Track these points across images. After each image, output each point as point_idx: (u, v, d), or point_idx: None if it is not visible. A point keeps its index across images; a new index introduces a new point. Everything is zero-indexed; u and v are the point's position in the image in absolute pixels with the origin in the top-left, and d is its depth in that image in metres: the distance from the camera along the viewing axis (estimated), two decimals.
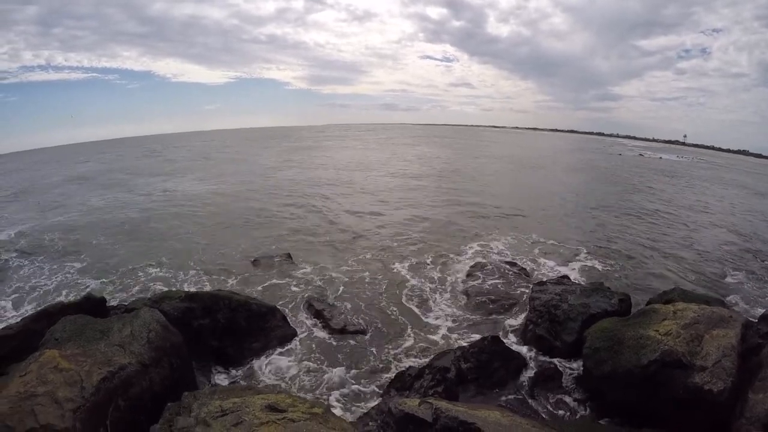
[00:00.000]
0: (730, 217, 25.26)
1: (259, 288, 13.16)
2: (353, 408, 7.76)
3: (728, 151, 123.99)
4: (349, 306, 12.01)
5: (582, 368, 8.22)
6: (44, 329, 8.15)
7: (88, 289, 12.94)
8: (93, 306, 9.74)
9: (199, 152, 73.28)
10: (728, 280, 14.35)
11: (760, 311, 10.11)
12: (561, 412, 7.74)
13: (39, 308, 10.43)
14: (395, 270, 14.69)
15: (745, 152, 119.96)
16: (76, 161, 67.12)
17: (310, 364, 9.24)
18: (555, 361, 9.08)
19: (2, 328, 9.48)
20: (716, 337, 7.14)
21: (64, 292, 13.15)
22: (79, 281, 14.11)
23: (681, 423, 6.45)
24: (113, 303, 11.16)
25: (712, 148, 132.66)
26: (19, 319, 9.99)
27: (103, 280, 14.07)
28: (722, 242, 19.05)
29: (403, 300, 12.42)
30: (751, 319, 8.28)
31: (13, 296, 13.27)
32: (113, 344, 7.13)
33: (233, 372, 8.97)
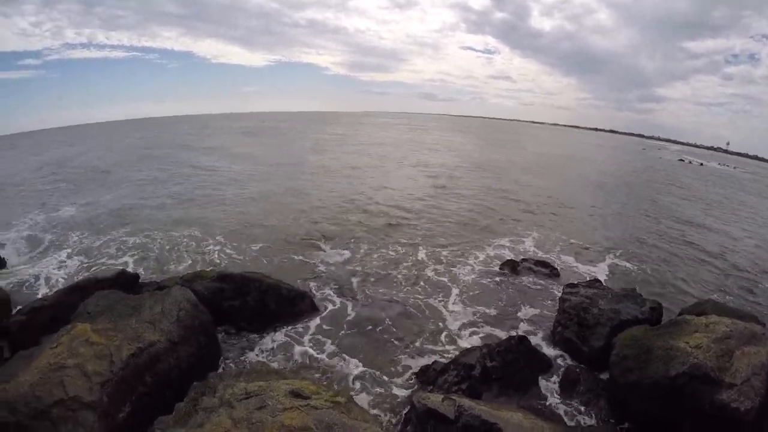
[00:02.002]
0: None
1: (290, 270, 13.26)
2: (375, 399, 7.76)
3: None
4: (377, 295, 12.00)
5: (608, 375, 8.06)
6: (77, 302, 8.46)
7: (123, 264, 13.36)
8: (126, 282, 10.06)
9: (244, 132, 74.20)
10: (764, 296, 13.83)
11: None
12: (583, 418, 7.61)
13: (72, 282, 10.79)
14: (424, 262, 14.65)
15: None
16: (122, 136, 69.00)
17: (336, 350, 9.27)
18: (581, 365, 8.93)
19: (36, 300, 9.88)
20: (747, 354, 6.88)
21: (101, 265, 13.51)
22: (115, 254, 14.61)
23: None
24: (146, 279, 11.47)
25: (756, 157, 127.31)
26: (53, 291, 10.40)
27: (139, 254, 14.52)
28: (760, 257, 18.36)
29: (431, 293, 12.33)
30: None
31: (60, 265, 13.76)
32: (144, 321, 7.31)
33: (259, 354, 9.05)
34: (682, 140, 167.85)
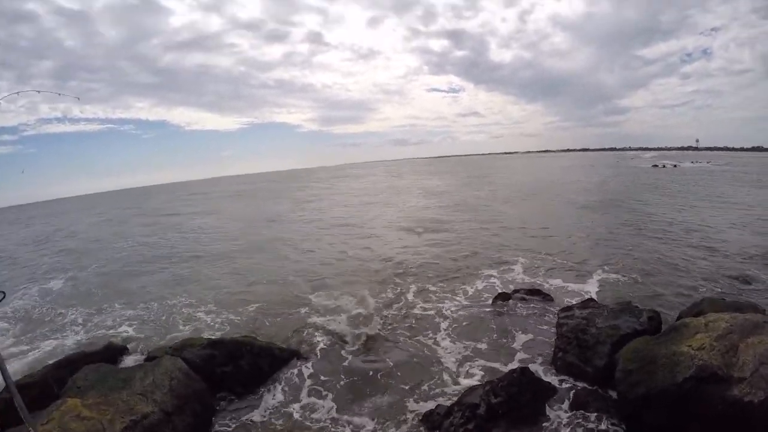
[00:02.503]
0: (751, 218, 24.64)
1: (283, 326, 13.12)
2: None
3: (742, 149, 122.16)
4: (372, 341, 11.84)
5: (616, 392, 7.92)
6: (66, 377, 8.21)
7: (115, 335, 13.02)
8: (114, 354, 9.86)
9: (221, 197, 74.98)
10: (758, 282, 13.86)
11: None
12: None
13: (61, 357, 10.52)
14: (416, 302, 14.50)
15: (759, 148, 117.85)
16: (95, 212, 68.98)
17: (335, 404, 9.04)
18: (587, 387, 8.76)
19: (23, 377, 9.56)
20: (751, 345, 6.81)
21: (94, 338, 13.13)
22: (100, 327, 14.23)
23: None
24: (135, 352, 11.27)
25: (726, 148, 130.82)
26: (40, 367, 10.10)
27: (130, 324, 14.16)
28: (747, 244, 18.47)
29: (425, 332, 12.19)
30: None
31: (51, 338, 13.53)
32: (135, 393, 7.12)
33: (257, 417, 8.75)
34: (653, 146, 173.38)
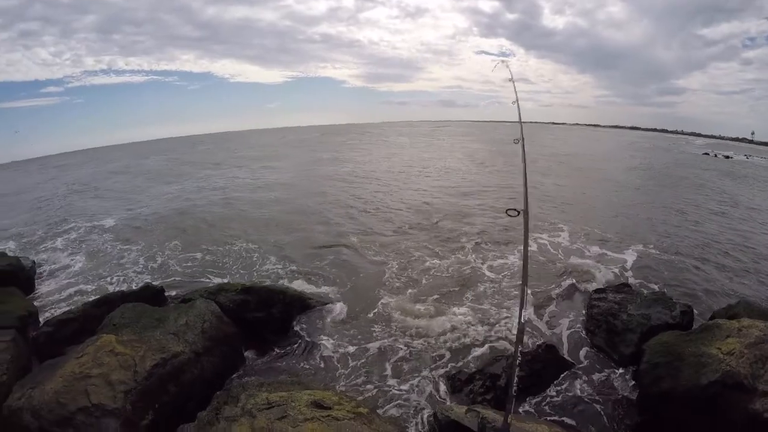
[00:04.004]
0: None
1: (312, 282, 13.23)
2: (398, 409, 7.64)
3: None
4: (407, 299, 11.90)
5: (638, 384, 7.81)
6: (103, 315, 8.66)
7: (153, 277, 13.63)
8: (151, 295, 10.28)
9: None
10: None
11: None
12: (614, 429, 7.39)
13: (100, 295, 11.04)
14: (450, 263, 14.52)
15: None
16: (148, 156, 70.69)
17: (360, 360, 9.21)
18: (611, 373, 8.65)
19: (64, 312, 10.14)
20: None
21: (118, 282, 13.73)
22: (137, 270, 14.77)
23: None
24: (171, 293, 11.66)
25: None
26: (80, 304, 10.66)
27: (157, 273, 14.55)
28: None
29: (460, 297, 12.12)
30: None
31: (95, 277, 14.10)
32: (168, 332, 7.45)
33: (283, 364, 9.07)
34: (705, 133, 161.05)
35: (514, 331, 10.14)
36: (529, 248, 15.06)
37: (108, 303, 9.62)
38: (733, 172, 48.39)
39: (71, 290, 13.03)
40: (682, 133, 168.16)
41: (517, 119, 7.98)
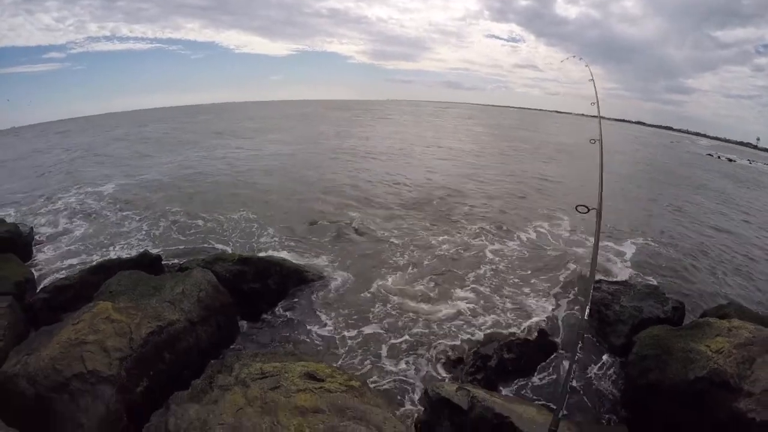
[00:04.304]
0: None
1: (311, 255, 13.28)
2: (390, 384, 7.80)
3: None
4: (403, 276, 12.05)
5: (626, 374, 7.94)
6: (100, 282, 8.68)
7: (141, 249, 13.40)
8: (149, 263, 10.30)
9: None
10: None
11: None
12: (600, 415, 7.53)
13: (97, 262, 11.06)
14: (442, 244, 14.66)
15: None
16: (149, 124, 69.74)
17: (354, 334, 9.33)
18: (600, 362, 8.81)
19: (61, 279, 10.17)
20: None
21: (119, 249, 13.70)
22: (134, 239, 14.69)
23: None
24: (170, 261, 11.71)
25: None
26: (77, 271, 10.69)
27: (158, 240, 14.59)
28: None
29: (456, 276, 12.29)
30: None
31: (94, 244, 14.06)
32: (164, 300, 7.50)
33: (277, 335, 9.18)
34: (710, 134, 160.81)
35: (511, 315, 10.35)
36: (528, 236, 15.27)
37: (105, 270, 9.64)
38: (735, 175, 48.42)
39: (70, 257, 13.03)
40: (687, 132, 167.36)
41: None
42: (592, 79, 8.67)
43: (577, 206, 4.76)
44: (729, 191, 34.54)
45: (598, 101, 8.07)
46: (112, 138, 48.72)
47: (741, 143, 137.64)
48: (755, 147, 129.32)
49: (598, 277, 12.36)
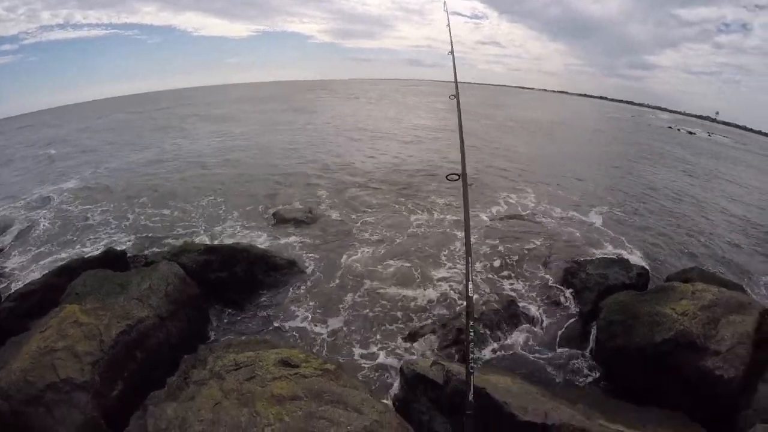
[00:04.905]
0: (758, 204, 24.34)
1: (278, 240, 13.18)
2: (365, 365, 7.86)
3: (760, 133, 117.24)
4: (367, 257, 12.07)
5: (595, 339, 8.18)
6: (66, 284, 8.36)
7: (110, 243, 13.07)
8: (114, 259, 10.00)
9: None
10: (750, 266, 13.95)
11: None
12: (571, 381, 7.76)
13: (61, 263, 10.68)
14: (412, 222, 14.81)
15: None
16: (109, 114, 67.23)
17: (325, 317, 9.34)
18: (569, 328, 9.08)
19: (25, 284, 9.77)
20: (732, 322, 6.98)
21: (87, 245, 13.31)
22: (103, 233, 14.28)
23: (688, 405, 6.34)
24: (139, 253, 11.45)
25: (745, 128, 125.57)
26: (40, 275, 10.30)
27: (127, 232, 14.21)
28: (748, 227, 18.48)
29: (422, 253, 12.39)
30: None
31: (61, 243, 13.57)
32: (132, 298, 7.31)
33: (249, 324, 9.13)
34: (671, 108, 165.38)
35: (483, 288, 10.52)
36: (497, 207, 15.45)
37: (70, 271, 9.31)
38: (695, 146, 50.22)
39: (37, 259, 12.59)
40: (649, 106, 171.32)
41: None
42: (449, 25, 8.45)
43: (447, 175, 4.82)
44: (689, 161, 35.83)
45: (453, 49, 7.85)
46: (74, 130, 46.61)
47: (700, 117, 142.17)
48: (714, 120, 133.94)
49: (566, 247, 12.75)
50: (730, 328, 6.89)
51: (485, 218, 15.22)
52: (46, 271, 10.48)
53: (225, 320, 9.18)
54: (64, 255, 12.42)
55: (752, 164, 43.12)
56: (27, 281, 10.39)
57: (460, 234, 13.78)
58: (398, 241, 13.26)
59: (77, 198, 18.26)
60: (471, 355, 3.30)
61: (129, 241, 13.30)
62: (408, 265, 11.68)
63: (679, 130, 74.24)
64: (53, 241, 13.82)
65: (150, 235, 13.70)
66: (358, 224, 14.40)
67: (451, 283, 10.78)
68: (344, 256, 12.06)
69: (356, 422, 4.59)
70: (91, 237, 13.83)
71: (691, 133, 70.98)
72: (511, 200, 17.58)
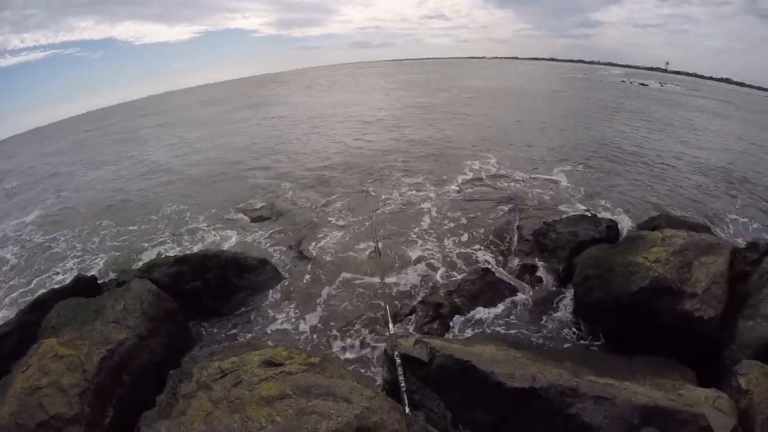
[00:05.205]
0: (714, 147, 25.15)
1: (247, 240, 13.18)
2: (349, 352, 7.92)
3: (711, 78, 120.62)
4: (336, 245, 12.14)
5: (573, 296, 8.33)
6: (40, 319, 8.14)
7: (80, 269, 12.81)
8: (84, 286, 9.76)
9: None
10: (713, 206, 14.43)
11: (746, 239, 10.34)
12: (555, 340, 7.93)
13: (31, 300, 10.39)
14: (380, 202, 14.99)
15: (727, 80, 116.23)
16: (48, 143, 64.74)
17: (304, 311, 9.36)
18: (546, 289, 9.28)
19: (0, 326, 9.49)
20: (705, 264, 7.21)
21: (58, 274, 13.05)
22: (71, 260, 13.97)
23: (672, 349, 6.55)
24: (108, 278, 11.21)
25: (696, 75, 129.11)
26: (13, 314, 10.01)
27: (94, 255, 13.94)
28: (707, 169, 19.07)
29: (390, 234, 12.50)
30: (738, 246, 8.28)
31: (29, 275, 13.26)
32: (108, 321, 7.16)
33: (229, 329, 9.09)
34: (621, 63, 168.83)
35: (457, 260, 10.66)
36: (461, 176, 15.75)
37: (41, 305, 9.01)
38: (649, 97, 51.40)
39: (8, 294, 12.31)
40: (599, 63, 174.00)
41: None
42: None
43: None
44: (644, 113, 36.83)
45: None
46: (29, 159, 44.50)
47: (652, 68, 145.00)
48: (665, 71, 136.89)
49: (534, 209, 13.07)
50: (703, 269, 7.12)
51: (452, 189, 15.54)
52: (18, 309, 10.23)
53: (206, 329, 9.10)
54: (34, 288, 12.13)
55: (705, 109, 44.49)
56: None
57: (428, 207, 14.18)
58: (368, 222, 13.18)
59: (41, 228, 17.72)
60: None
61: (98, 264, 13.04)
62: (379, 246, 11.69)
63: (631, 83, 76.03)
64: (21, 275, 13.40)
65: (118, 254, 13.47)
66: (324, 212, 14.48)
67: (426, 260, 10.90)
68: (316, 246, 12.14)
69: (346, 412, 4.62)
70: (60, 265, 13.48)
71: (643, 84, 72.72)
72: (475, 167, 17.95)
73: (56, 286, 10.30)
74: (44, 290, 11.09)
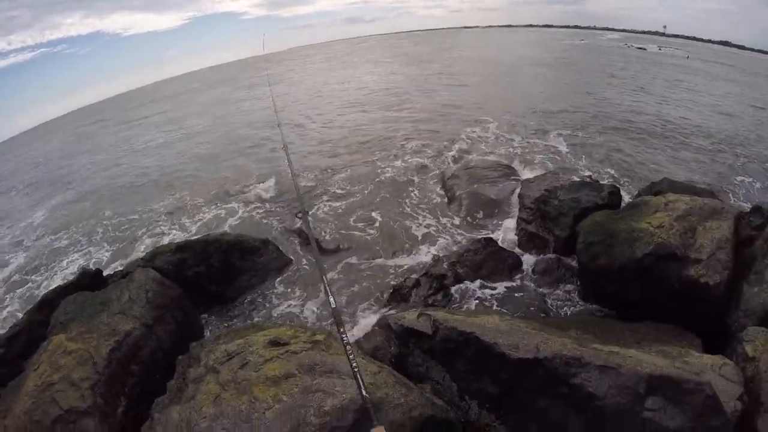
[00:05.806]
0: (717, 110, 24.72)
1: (249, 219, 13.25)
2: (354, 328, 7.93)
3: (709, 41, 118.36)
4: (337, 222, 12.15)
5: (577, 263, 8.29)
6: (49, 316, 8.20)
7: (85, 263, 12.97)
8: (90, 280, 9.80)
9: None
10: (716, 170, 14.27)
11: (749, 203, 10.24)
12: (559, 308, 7.93)
13: (39, 297, 10.50)
14: (378, 177, 14.91)
15: (726, 43, 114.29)
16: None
17: (309, 289, 9.41)
18: (550, 257, 9.26)
19: (10, 328, 9.60)
20: (709, 229, 7.11)
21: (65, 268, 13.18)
22: (78, 252, 14.10)
23: (678, 316, 6.51)
24: (114, 269, 11.23)
25: (694, 38, 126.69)
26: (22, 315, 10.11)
27: (98, 247, 14.03)
28: (708, 132, 18.84)
29: (390, 209, 12.50)
30: (742, 210, 8.12)
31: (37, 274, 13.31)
32: (114, 313, 7.23)
33: (234, 312, 9.20)
34: (619, 27, 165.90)
35: (458, 231, 10.68)
36: (460, 144, 15.77)
37: (49, 303, 9.08)
38: (648, 60, 50.73)
39: (15, 295, 12.41)
40: (595, 28, 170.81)
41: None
42: None
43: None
44: (643, 77, 36.34)
45: None
46: (27, 163, 44.74)
47: (649, 32, 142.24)
48: (663, 34, 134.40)
49: (535, 176, 12.78)
50: (707, 234, 7.03)
51: (451, 156, 15.61)
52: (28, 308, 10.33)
53: (212, 313, 9.20)
54: (41, 285, 12.33)
55: (704, 71, 43.77)
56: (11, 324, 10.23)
57: (427, 176, 14.21)
58: (368, 197, 13.45)
59: (46, 225, 17.82)
60: None
61: (103, 257, 13.15)
62: (381, 220, 11.87)
63: (629, 47, 74.80)
64: (28, 273, 13.51)
65: (121, 245, 13.52)
66: (326, 187, 14.47)
67: (427, 232, 10.98)
68: (318, 222, 12.12)
69: (351, 389, 4.63)
70: (66, 260, 13.58)
71: (641, 49, 71.50)
72: (474, 134, 17.95)
73: (62, 283, 10.42)
74: (51, 287, 11.27)
